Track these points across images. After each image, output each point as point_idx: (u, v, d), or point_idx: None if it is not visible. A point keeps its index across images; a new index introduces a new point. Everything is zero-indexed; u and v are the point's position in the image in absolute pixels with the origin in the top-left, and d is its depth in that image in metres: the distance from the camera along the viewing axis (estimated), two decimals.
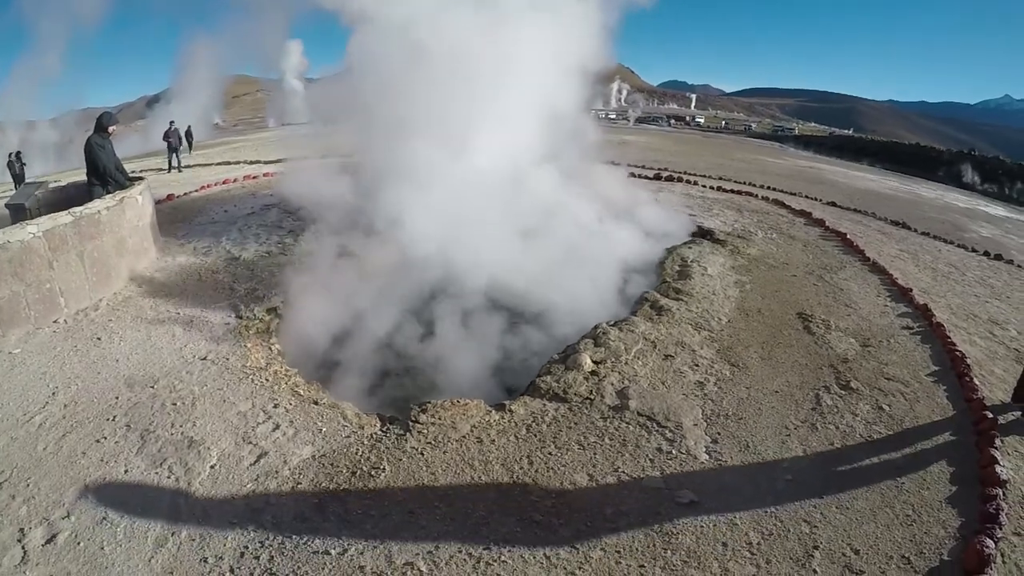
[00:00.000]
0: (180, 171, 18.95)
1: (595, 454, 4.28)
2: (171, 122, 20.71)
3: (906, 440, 4.61)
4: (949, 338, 6.35)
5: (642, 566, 3.32)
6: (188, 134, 27.13)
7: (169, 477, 3.95)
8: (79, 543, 3.40)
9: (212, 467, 4.05)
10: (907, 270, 8.96)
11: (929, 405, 5.12)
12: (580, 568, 3.29)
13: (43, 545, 3.39)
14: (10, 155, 22.71)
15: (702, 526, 3.64)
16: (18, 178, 21.20)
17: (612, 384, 5.22)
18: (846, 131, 67.59)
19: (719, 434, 4.55)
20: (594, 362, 5.57)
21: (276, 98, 65.98)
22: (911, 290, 7.78)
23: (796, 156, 33.78)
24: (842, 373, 5.59)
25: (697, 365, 5.62)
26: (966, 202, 19.41)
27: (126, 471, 4.01)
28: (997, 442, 4.46)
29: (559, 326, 7.39)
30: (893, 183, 22.83)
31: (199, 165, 20.21)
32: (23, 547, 3.38)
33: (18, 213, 8.07)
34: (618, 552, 3.42)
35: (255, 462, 4.10)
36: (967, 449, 4.50)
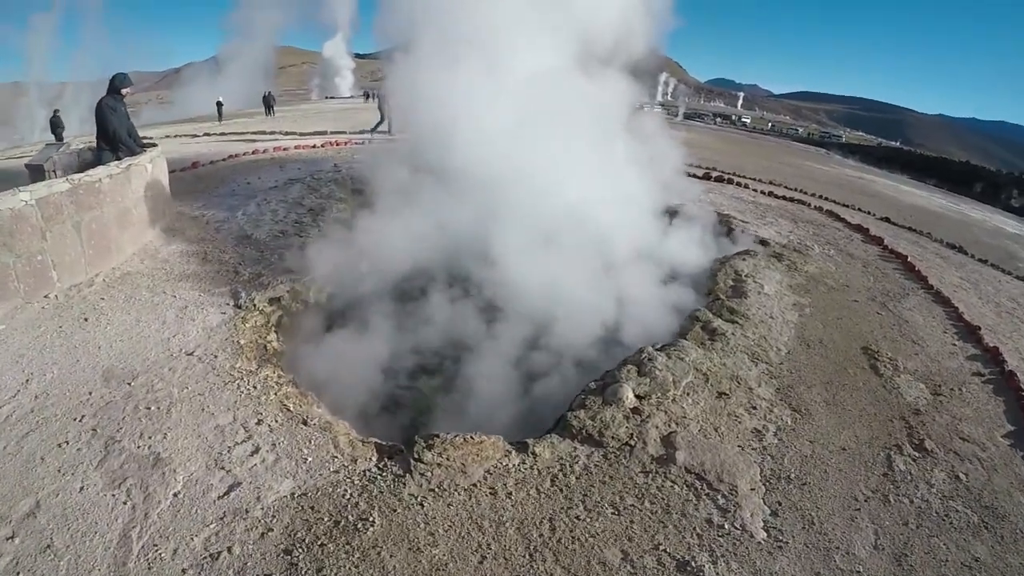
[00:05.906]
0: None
1: (632, 523, 3.54)
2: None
3: (984, 521, 3.95)
4: (1023, 391, 5.70)
5: None
6: (269, 97, 31.40)
7: (126, 503, 3.37)
8: (18, 573, 2.90)
9: (175, 495, 3.45)
10: (970, 302, 8.19)
11: (1008, 477, 4.45)
12: None
13: None
14: (55, 111, 23.99)
15: None
16: (60, 137, 21.61)
17: (657, 427, 4.45)
18: (894, 142, 65.63)
19: (779, 504, 3.82)
20: (637, 396, 4.75)
21: (320, 69, 64.94)
22: (979, 328, 7.07)
23: (843, 164, 32.75)
24: (915, 428, 4.89)
25: (755, 407, 4.89)
26: (1015, 227, 18.47)
27: (82, 488, 3.46)
28: None
29: None
30: (941, 200, 22.02)
31: (234, 134, 19.64)
32: None
33: (37, 174, 7.64)
34: None
35: (224, 494, 3.48)
36: None
